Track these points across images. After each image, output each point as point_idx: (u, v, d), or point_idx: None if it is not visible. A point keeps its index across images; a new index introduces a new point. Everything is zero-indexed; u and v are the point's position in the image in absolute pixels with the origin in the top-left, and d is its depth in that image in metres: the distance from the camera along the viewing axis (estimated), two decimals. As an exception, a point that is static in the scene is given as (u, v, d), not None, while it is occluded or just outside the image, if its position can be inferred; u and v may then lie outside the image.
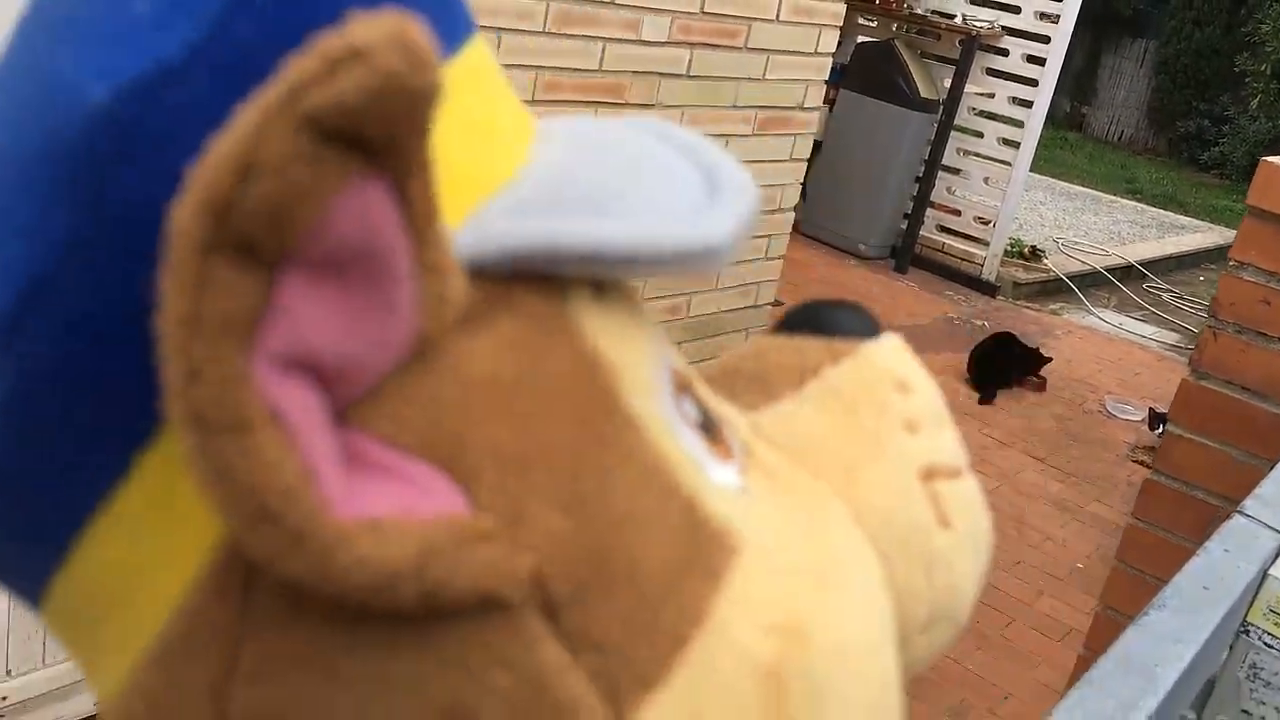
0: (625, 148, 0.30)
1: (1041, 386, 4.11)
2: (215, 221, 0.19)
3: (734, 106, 2.70)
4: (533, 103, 2.23)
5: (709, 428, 0.31)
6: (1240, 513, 1.00)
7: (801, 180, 3.07)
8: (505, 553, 0.24)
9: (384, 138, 0.20)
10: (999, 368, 3.98)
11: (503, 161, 0.28)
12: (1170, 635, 0.79)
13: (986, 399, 3.87)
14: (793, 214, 3.07)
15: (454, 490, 0.24)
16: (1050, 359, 4.13)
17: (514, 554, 0.24)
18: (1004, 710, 2.36)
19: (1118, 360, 4.72)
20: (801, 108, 2.90)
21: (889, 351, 0.38)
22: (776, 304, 3.09)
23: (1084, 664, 1.59)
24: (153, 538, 0.25)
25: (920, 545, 0.35)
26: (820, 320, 0.39)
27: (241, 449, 0.20)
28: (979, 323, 4.67)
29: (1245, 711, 0.97)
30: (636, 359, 0.28)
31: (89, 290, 0.23)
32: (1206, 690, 0.99)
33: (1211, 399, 1.57)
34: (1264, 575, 0.94)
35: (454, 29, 0.28)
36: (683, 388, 0.31)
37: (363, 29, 0.19)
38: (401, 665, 0.23)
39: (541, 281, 0.26)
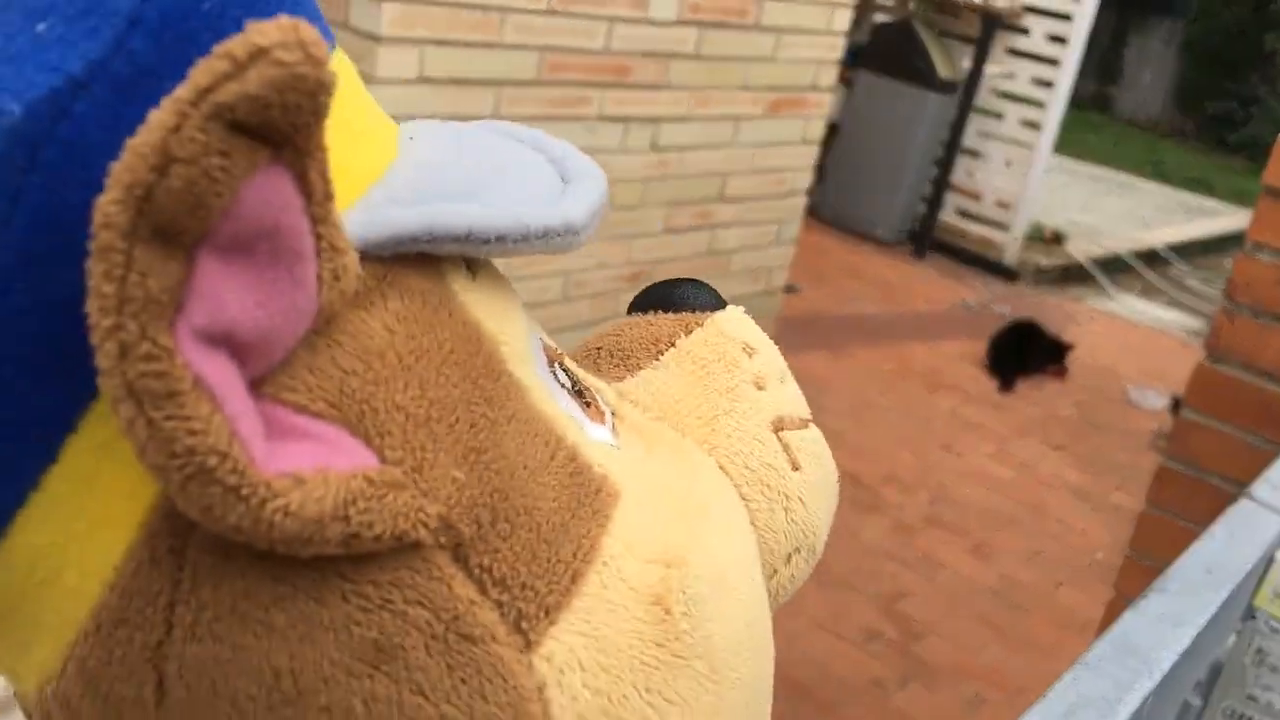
0: (483, 144, 0.34)
1: (1062, 374, 4.06)
2: (137, 210, 0.21)
3: (744, 88, 2.67)
4: (537, 84, 2.20)
5: (581, 393, 0.35)
6: (1248, 496, 0.97)
7: (814, 163, 3.03)
8: (415, 499, 0.27)
9: (286, 126, 0.23)
10: (1020, 356, 3.93)
11: (375, 158, 0.31)
12: (1170, 618, 0.77)
13: (1006, 387, 3.83)
14: (805, 198, 3.04)
15: (364, 448, 0.26)
16: (1073, 346, 4.07)
17: (422, 501, 0.27)
18: (1020, 702, 2.32)
19: (1141, 347, 4.65)
20: (814, 88, 2.87)
21: (734, 320, 0.43)
22: (789, 289, 3.07)
23: (1094, 651, 1.57)
24: (80, 519, 0.26)
25: (778, 486, 0.39)
26: (671, 298, 0.44)
27: (173, 415, 0.22)
28: (999, 309, 4.62)
29: (1251, 697, 0.95)
30: (512, 330, 0.32)
31: (9, 290, 0.25)
32: (1213, 675, 0.97)
33: (1227, 383, 1.54)
34: (1270, 559, 0.92)
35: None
36: (553, 359, 0.34)
37: (262, 31, 0.22)
38: (329, 611, 0.26)
39: (422, 263, 0.29)
